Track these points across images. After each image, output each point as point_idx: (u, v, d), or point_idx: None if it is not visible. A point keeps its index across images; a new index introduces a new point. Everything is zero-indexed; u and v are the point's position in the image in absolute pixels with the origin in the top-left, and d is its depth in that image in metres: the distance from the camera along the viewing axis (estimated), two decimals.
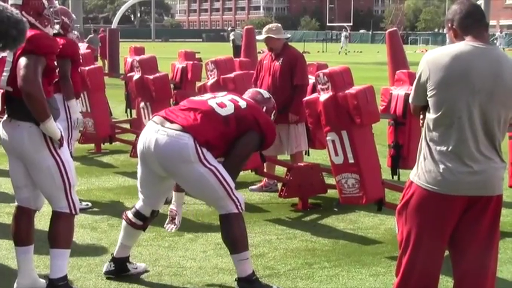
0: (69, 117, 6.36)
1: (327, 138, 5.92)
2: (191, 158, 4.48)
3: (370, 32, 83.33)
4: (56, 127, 4.27)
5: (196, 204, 6.72)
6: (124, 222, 4.95)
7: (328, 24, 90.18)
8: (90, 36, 26.51)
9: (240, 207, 4.64)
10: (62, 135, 4.33)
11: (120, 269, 4.98)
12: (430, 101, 3.34)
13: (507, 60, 3.35)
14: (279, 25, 7.75)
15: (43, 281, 4.66)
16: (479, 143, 3.29)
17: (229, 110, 4.71)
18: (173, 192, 4.99)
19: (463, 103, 3.26)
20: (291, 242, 5.89)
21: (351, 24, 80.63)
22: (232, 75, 7.52)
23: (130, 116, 10.42)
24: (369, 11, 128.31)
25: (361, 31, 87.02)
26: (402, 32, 60.13)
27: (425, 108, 3.42)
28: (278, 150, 7.44)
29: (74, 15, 7.11)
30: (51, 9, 4.55)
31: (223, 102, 4.77)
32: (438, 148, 3.32)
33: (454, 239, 3.43)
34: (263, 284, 4.71)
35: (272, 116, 5.10)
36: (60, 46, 6.54)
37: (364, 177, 5.86)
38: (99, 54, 25.86)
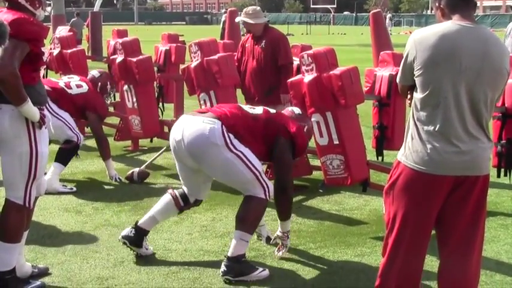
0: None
1: (312, 119, 5.90)
2: (217, 141, 4.54)
3: (354, 14, 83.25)
4: (33, 110, 4.12)
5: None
6: (168, 196, 5.01)
7: (312, 6, 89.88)
8: (73, 20, 26.35)
9: (267, 194, 4.69)
10: (41, 117, 4.20)
11: (137, 239, 4.98)
12: (417, 81, 3.32)
13: (494, 39, 3.33)
14: (257, 8, 7.66)
15: (29, 264, 4.66)
16: (467, 123, 3.27)
17: (258, 111, 4.91)
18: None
19: (449, 83, 3.24)
20: (276, 224, 5.87)
21: (335, 6, 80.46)
22: (216, 57, 7.47)
23: (114, 99, 10.34)
24: None
25: (345, 13, 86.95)
26: (386, 13, 60.02)
27: (412, 88, 3.40)
28: None
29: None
30: None
31: (253, 107, 5.02)
32: (425, 128, 3.31)
33: (440, 219, 3.43)
34: (250, 265, 4.71)
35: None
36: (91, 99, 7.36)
37: (349, 158, 5.86)
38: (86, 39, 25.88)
